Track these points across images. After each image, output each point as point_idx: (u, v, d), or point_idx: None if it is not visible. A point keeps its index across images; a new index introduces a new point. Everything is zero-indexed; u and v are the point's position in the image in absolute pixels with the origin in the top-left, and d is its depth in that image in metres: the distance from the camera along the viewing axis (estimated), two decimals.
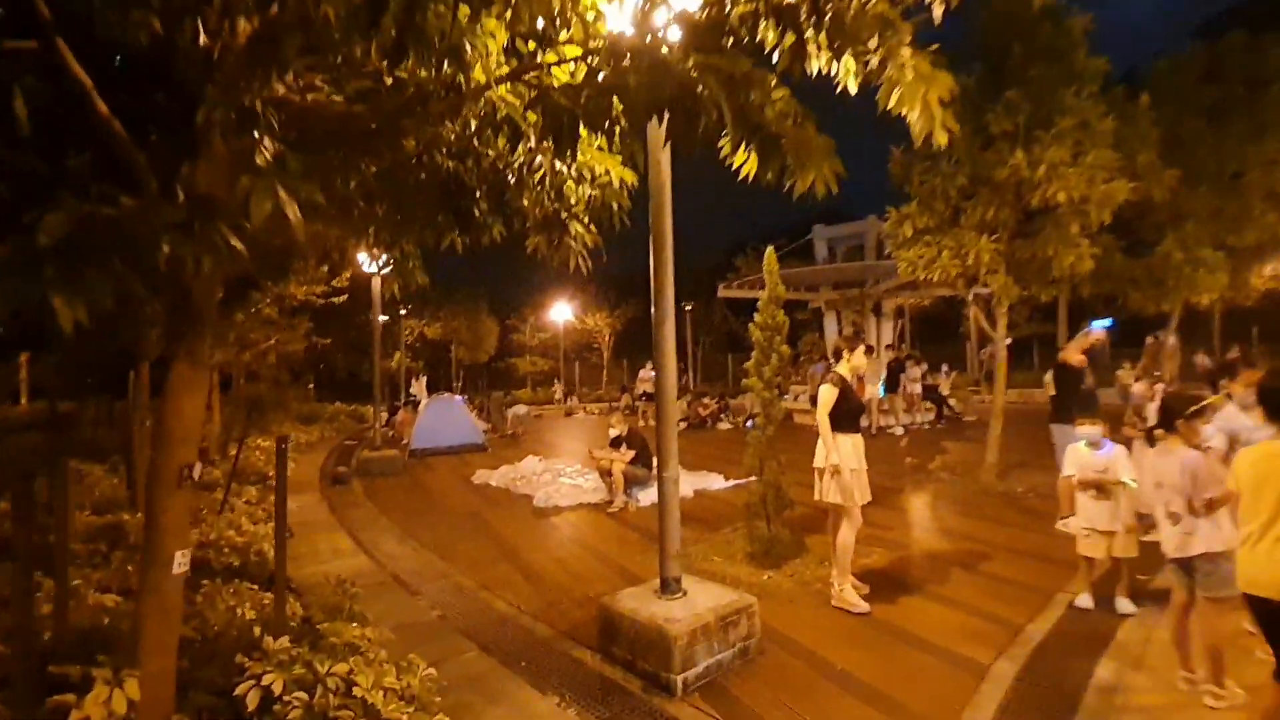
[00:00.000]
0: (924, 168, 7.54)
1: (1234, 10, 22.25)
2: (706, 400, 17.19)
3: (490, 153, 3.79)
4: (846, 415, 4.62)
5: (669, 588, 3.76)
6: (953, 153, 7.38)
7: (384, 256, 10.96)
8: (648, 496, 7.77)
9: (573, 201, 3.78)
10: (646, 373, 15.90)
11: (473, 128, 3.74)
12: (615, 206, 3.88)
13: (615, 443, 7.91)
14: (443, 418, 12.69)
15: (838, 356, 4.86)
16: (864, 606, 4.46)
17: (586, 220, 3.99)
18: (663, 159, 3.94)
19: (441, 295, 26.53)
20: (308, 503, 8.04)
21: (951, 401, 14.51)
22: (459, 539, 6.66)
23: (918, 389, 13.68)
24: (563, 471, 9.82)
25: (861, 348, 4.88)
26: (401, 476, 10.41)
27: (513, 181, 3.80)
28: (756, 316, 5.48)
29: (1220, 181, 9.68)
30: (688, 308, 26.51)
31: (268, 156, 2.08)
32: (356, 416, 18.85)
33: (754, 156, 2.76)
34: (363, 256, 11.01)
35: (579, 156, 3.70)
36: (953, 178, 7.34)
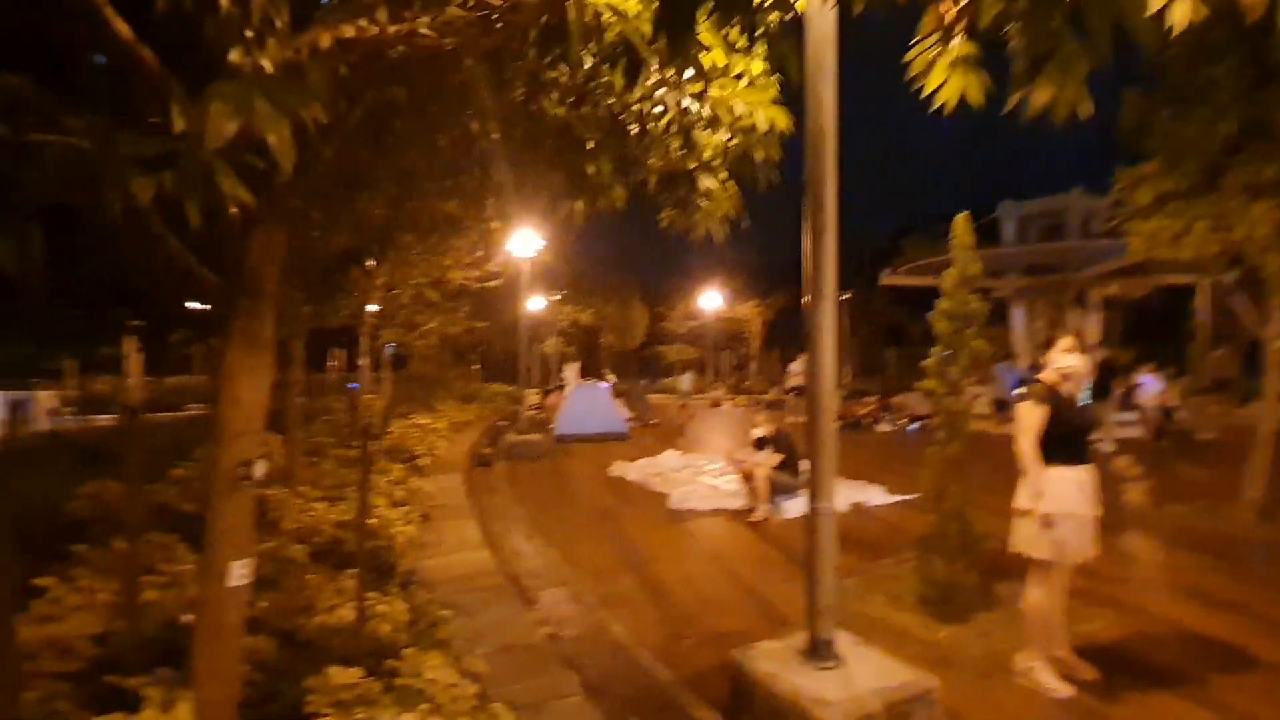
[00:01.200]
0: (1171, 113, 5.79)
1: None
2: (865, 398, 15.64)
3: (607, 99, 3.12)
4: (1063, 440, 3.38)
5: (819, 652, 2.90)
6: (1215, 94, 5.59)
7: (536, 242, 10.84)
8: (794, 507, 6.83)
9: (705, 152, 3.01)
10: (798, 365, 14.71)
11: (586, 66, 3.10)
12: (762, 157, 3.06)
13: (760, 444, 7.04)
14: (587, 405, 12.53)
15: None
16: (1063, 690, 3.31)
17: (723, 177, 3.21)
18: (824, 92, 3.03)
19: (593, 282, 26.87)
20: (449, 484, 8.03)
21: (1180, 414, 11.82)
22: (586, 539, 6.19)
23: (1150, 403, 10.95)
24: (702, 469, 9.13)
25: (1068, 341, 3.58)
26: (543, 462, 10.30)
27: (634, 130, 3.11)
28: (941, 303, 4.35)
29: None
30: (844, 296, 24.58)
31: (262, 64, 1.52)
32: (513, 398, 19.50)
33: None
34: (511, 241, 11.01)
35: (712, 90, 2.92)
36: (1213, 125, 5.55)
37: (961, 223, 4.25)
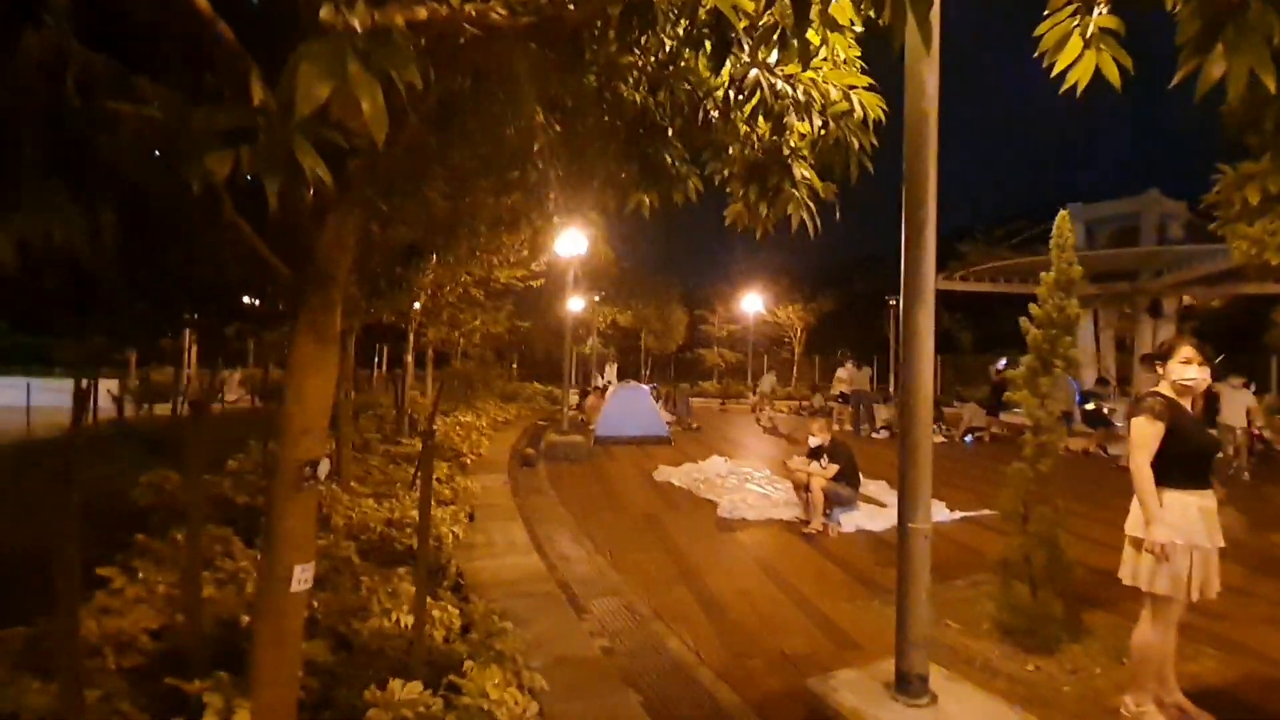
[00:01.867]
0: None
1: None
2: None
3: (687, 83, 2.93)
4: (1183, 461, 3.03)
5: (909, 687, 2.65)
6: None
7: (580, 242, 10.72)
8: (850, 520, 6.54)
9: (795, 140, 2.79)
10: (845, 371, 14.28)
11: (667, 48, 2.91)
12: (855, 145, 2.82)
13: (815, 453, 6.75)
14: (628, 407, 12.35)
15: (1149, 366, 3.26)
16: None
17: (816, 167, 2.98)
18: (926, 74, 2.78)
19: (634, 282, 26.71)
20: (494, 484, 7.95)
21: (1265, 434, 11.05)
22: (635, 546, 6.00)
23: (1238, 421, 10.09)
24: (750, 476, 8.87)
25: (1188, 351, 3.14)
26: (585, 464, 10.16)
27: (715, 115, 2.91)
28: (1034, 308, 4.03)
29: None
30: (892, 302, 23.89)
31: (351, 22, 1.36)
32: (552, 398, 19.48)
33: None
34: (557, 241, 10.91)
35: (806, 70, 2.69)
36: None
37: (1063, 221, 3.93)
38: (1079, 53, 2.44)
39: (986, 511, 6.78)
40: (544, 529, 6.42)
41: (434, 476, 6.82)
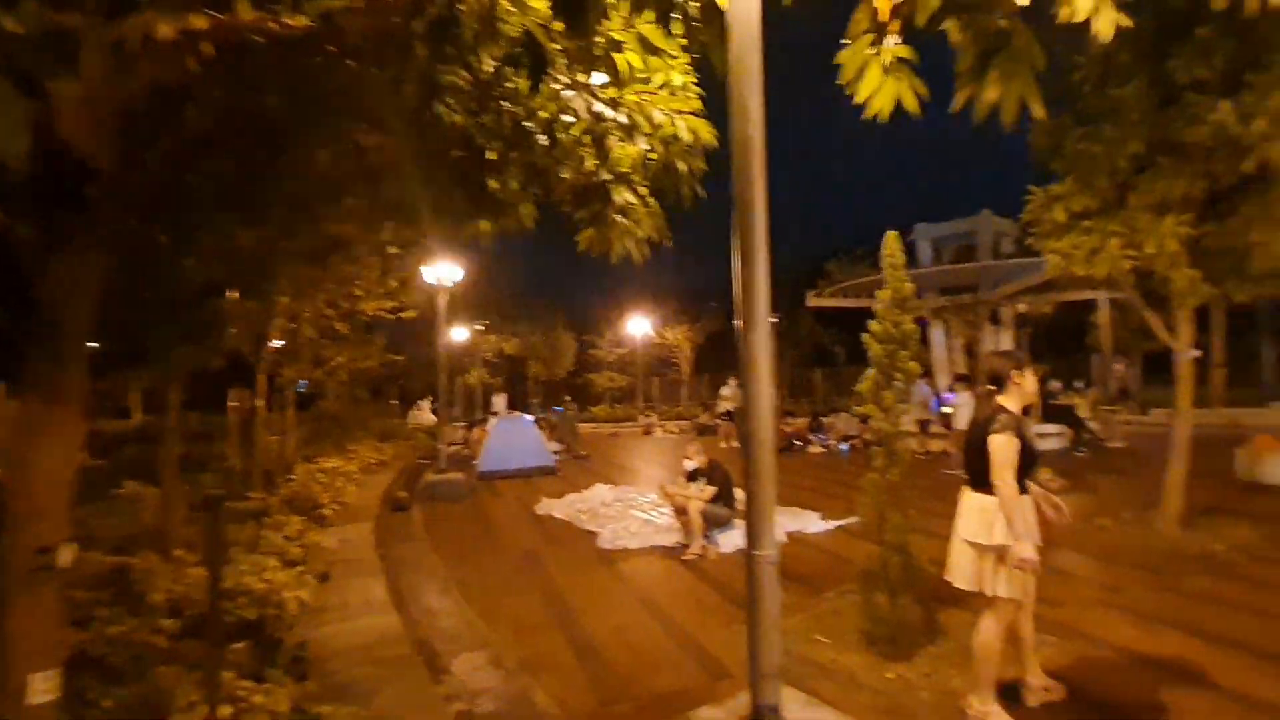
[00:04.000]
0: (1082, 133, 5.96)
1: None
2: (794, 419, 15.68)
3: (509, 104, 2.78)
4: (1022, 470, 3.17)
5: None
6: (1123, 113, 5.79)
7: (453, 271, 10.29)
8: (729, 540, 6.54)
9: (621, 163, 2.70)
10: (729, 389, 14.61)
11: (488, 68, 2.75)
12: (684, 169, 2.77)
13: (692, 476, 6.73)
14: (511, 438, 11.93)
15: (996, 383, 3.31)
16: None
17: (645, 192, 2.90)
18: (750, 99, 2.78)
19: (518, 311, 26.20)
20: (356, 536, 7.32)
21: (1092, 424, 12.36)
22: (509, 589, 5.67)
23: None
24: (635, 502, 8.74)
25: (1031, 371, 3.35)
26: (465, 503, 9.64)
27: (542, 140, 2.76)
28: (873, 325, 4.18)
29: None
30: (773, 319, 24.98)
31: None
32: (434, 434, 18.55)
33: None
34: (427, 270, 10.44)
35: (628, 94, 2.62)
36: (1121, 144, 5.74)
37: (892, 241, 4.11)
38: (879, 82, 2.52)
39: (857, 519, 7.03)
40: (409, 581, 5.95)
41: (287, 535, 6.20)
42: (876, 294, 4.24)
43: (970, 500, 3.27)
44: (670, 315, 28.70)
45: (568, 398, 21.04)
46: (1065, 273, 6.35)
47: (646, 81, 2.94)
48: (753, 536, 2.65)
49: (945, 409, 13.00)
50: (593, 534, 7.21)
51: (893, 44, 2.35)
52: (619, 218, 2.63)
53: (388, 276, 9.89)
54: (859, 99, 2.53)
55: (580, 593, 5.52)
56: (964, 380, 11.51)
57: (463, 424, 17.88)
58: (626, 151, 2.69)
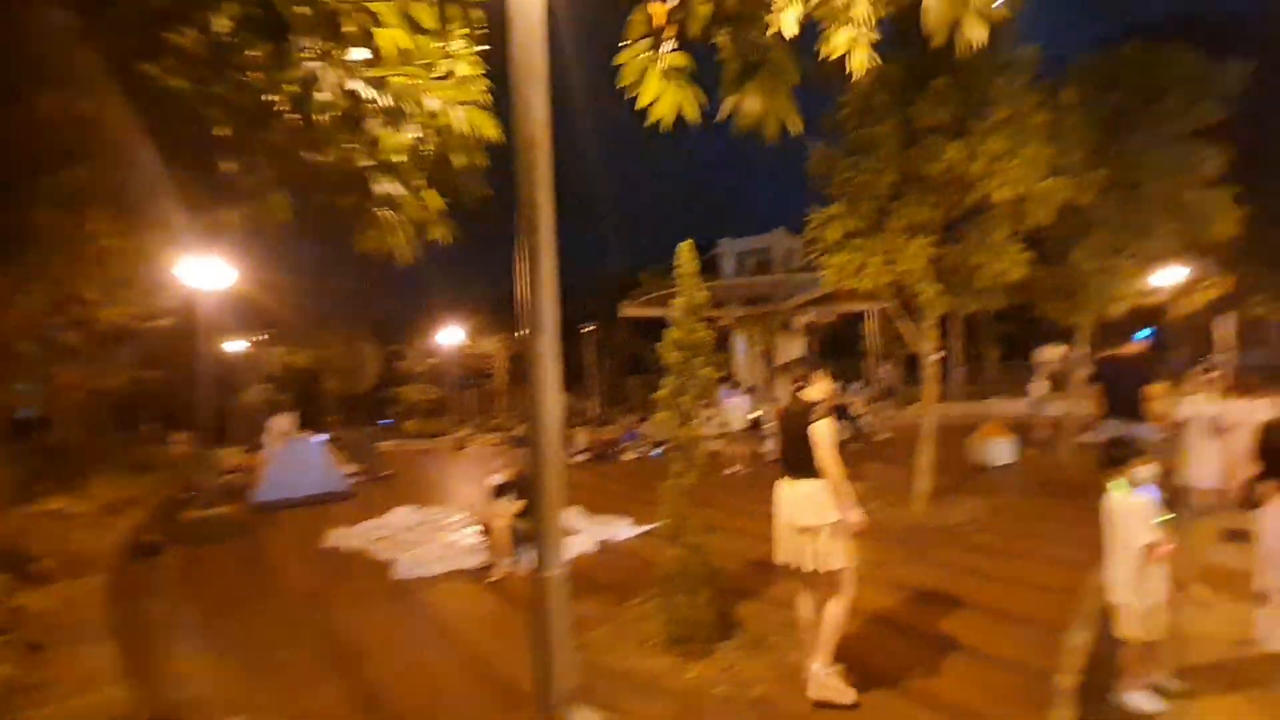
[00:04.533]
0: (849, 163, 6.68)
1: (1131, 27, 23.70)
2: (611, 426, 15.91)
3: (246, 74, 2.36)
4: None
5: None
6: (879, 148, 6.59)
7: (218, 272, 8.95)
8: None
9: (385, 151, 2.41)
10: None
11: (218, 25, 2.32)
12: (461, 164, 2.55)
13: (500, 491, 6.42)
14: (297, 463, 10.63)
15: (804, 383, 3.70)
16: (851, 695, 3.42)
17: (421, 185, 2.62)
18: (534, 96, 2.63)
19: (313, 319, 23.68)
20: (83, 593, 5.98)
21: (864, 420, 13.99)
22: (284, 639, 4.93)
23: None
24: (441, 524, 8.18)
25: (826, 374, 3.81)
26: (236, 541, 8.35)
27: (295, 119, 2.38)
28: (669, 333, 4.25)
29: (1123, 191, 9.55)
30: (589, 328, 25.26)
31: None
32: (201, 461, 16.03)
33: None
34: (184, 270, 8.96)
35: (395, 76, 2.35)
36: (880, 174, 6.52)
37: (685, 251, 4.21)
38: (659, 88, 2.50)
39: (664, 532, 7.21)
40: (152, 642, 4.96)
41: None
42: (672, 302, 4.32)
43: (796, 489, 3.52)
44: (485, 324, 27.80)
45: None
46: (840, 286, 7.07)
47: (429, 68, 2.69)
48: (541, 556, 2.49)
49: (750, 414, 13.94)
50: (389, 563, 6.59)
51: (669, 50, 2.35)
52: (382, 211, 2.33)
53: (134, 278, 8.32)
54: (641, 104, 2.51)
55: (369, 632, 4.97)
56: (727, 381, 12.40)
57: (241, 449, 15.71)
58: (393, 139, 2.40)
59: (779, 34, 2.13)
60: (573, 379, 26.27)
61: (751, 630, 4.40)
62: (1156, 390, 6.04)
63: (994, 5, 1.91)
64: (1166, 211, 9.38)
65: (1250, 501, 2.18)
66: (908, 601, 4.79)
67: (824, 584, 3.55)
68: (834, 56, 2.28)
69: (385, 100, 2.34)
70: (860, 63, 2.27)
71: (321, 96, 2.25)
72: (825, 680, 3.48)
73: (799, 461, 3.51)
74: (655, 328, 4.51)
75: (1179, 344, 18.78)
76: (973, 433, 10.34)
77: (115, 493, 10.35)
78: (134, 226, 3.31)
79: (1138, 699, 3.16)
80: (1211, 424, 5.78)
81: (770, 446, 12.40)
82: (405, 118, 2.35)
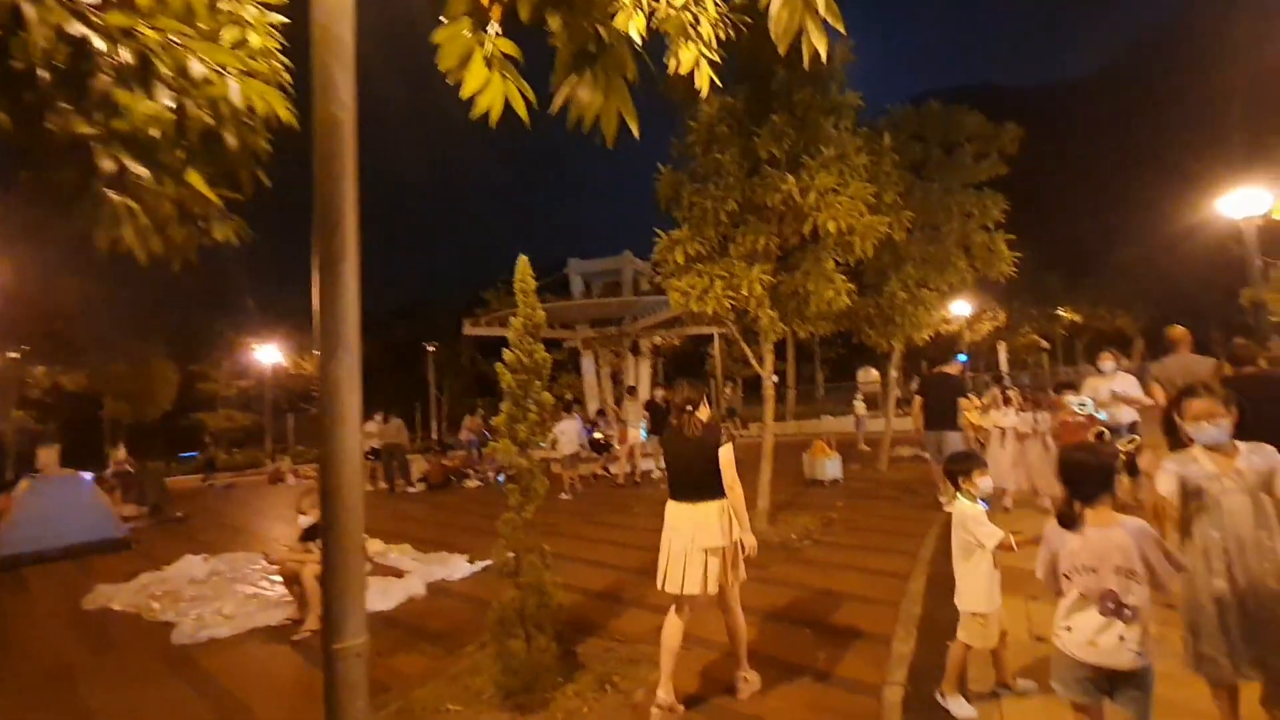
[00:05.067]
0: (695, 189, 6.80)
1: (932, 89, 27.04)
2: (453, 453, 15.02)
3: None
4: None
5: None
6: (723, 175, 6.78)
7: None
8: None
9: (125, 119, 1.90)
10: (373, 424, 13.22)
11: None
12: (234, 144, 2.09)
13: (309, 534, 5.62)
14: (57, 506, 8.77)
15: (686, 408, 3.72)
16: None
17: (179, 161, 2.11)
18: (338, 73, 2.23)
19: (89, 334, 20.00)
20: None
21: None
22: None
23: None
24: (239, 573, 7.08)
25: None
26: None
27: None
28: (506, 354, 3.92)
29: (926, 230, 10.72)
30: (430, 348, 23.92)
31: None
32: None
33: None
34: None
35: (146, 29, 1.86)
36: (724, 200, 6.69)
37: (523, 266, 3.91)
38: (486, 77, 2.22)
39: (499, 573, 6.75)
40: None
41: None
42: (510, 321, 4.00)
43: (700, 510, 3.49)
44: (308, 342, 25.33)
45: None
46: (685, 309, 7.13)
47: (212, 37, 2.20)
48: (332, 624, 2.04)
49: (596, 435, 13.80)
50: (169, 626, 5.51)
51: (494, 32, 2.09)
52: (112, 193, 1.81)
53: None
54: (465, 93, 2.20)
55: (133, 714, 4.04)
56: (602, 415, 12.35)
57: None
58: (139, 105, 1.89)
59: (616, 27, 1.96)
60: (414, 401, 24.69)
61: (595, 670, 4.12)
62: (968, 404, 7.00)
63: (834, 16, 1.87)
64: (960, 250, 10.66)
65: (1066, 517, 2.30)
66: (749, 622, 4.76)
67: (724, 602, 3.63)
68: (682, 70, 2.17)
69: (126, 56, 1.84)
70: (704, 80, 2.19)
71: (31, 40, 1.71)
72: (750, 681, 3.67)
73: (699, 483, 3.52)
74: (501, 347, 4.17)
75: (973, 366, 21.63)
76: (805, 450, 10.95)
77: None
78: None
79: (955, 705, 3.29)
80: (1010, 433, 7.12)
81: (617, 468, 12.35)
82: (155, 81, 1.86)
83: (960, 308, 13.08)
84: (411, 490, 13.43)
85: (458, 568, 6.72)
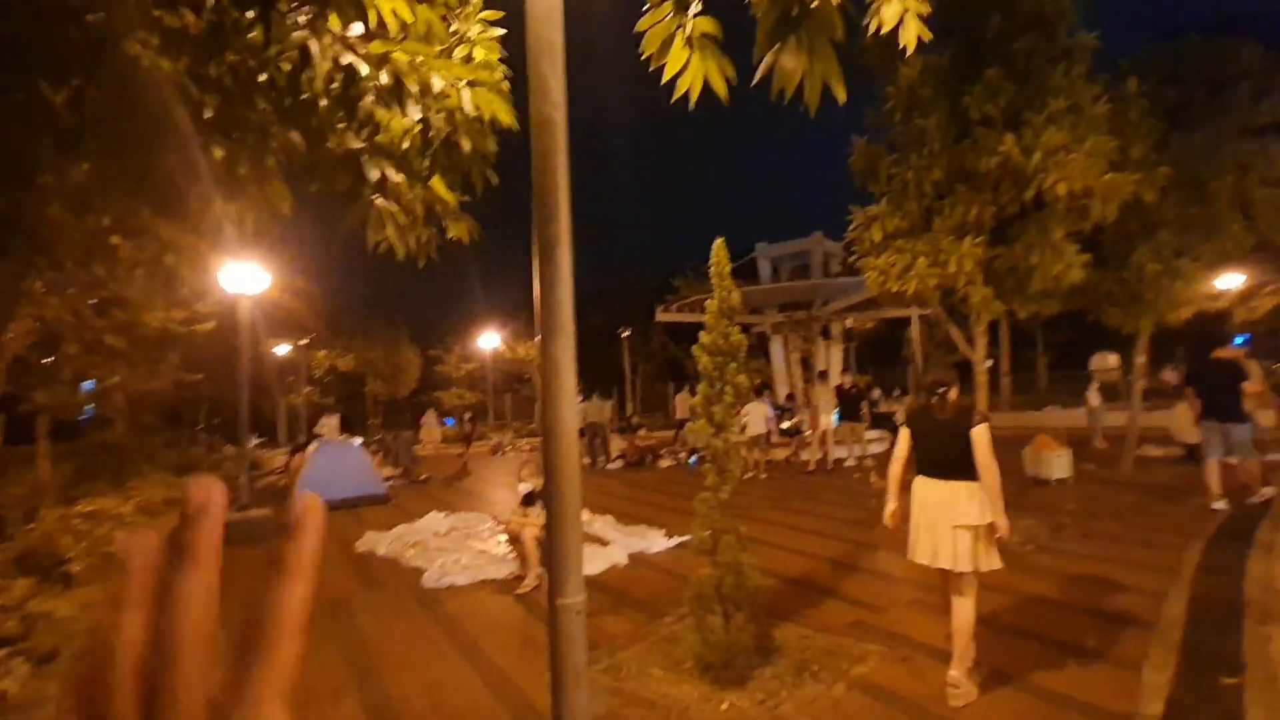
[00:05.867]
0: (893, 160, 6.34)
1: (1186, 23, 22.71)
2: (644, 432, 15.68)
3: (235, 52, 2.23)
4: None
5: None
6: (927, 143, 6.24)
7: (254, 275, 9.05)
8: None
9: (387, 133, 2.24)
10: (579, 404, 14.25)
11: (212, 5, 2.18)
12: (468, 148, 2.36)
13: (528, 500, 6.25)
14: (335, 465, 10.69)
15: (939, 390, 3.78)
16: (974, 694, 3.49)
17: (425, 168, 2.44)
18: (550, 74, 2.43)
19: (355, 324, 24.05)
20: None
21: None
22: (305, 649, 4.82)
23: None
24: (473, 530, 8.08)
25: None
26: (269, 543, 8.38)
27: (286, 101, 2.24)
28: (703, 336, 4.01)
29: (1187, 188, 8.94)
30: (624, 334, 25.11)
31: None
32: (256, 462, 16.40)
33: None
34: (224, 274, 9.08)
35: (398, 53, 2.17)
36: (928, 170, 6.16)
37: (719, 249, 3.95)
38: (685, 58, 2.27)
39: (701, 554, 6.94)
40: None
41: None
42: (705, 304, 4.07)
43: (950, 489, 3.55)
44: (521, 329, 27.93)
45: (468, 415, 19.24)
46: (883, 289, 6.70)
47: (446, 53, 2.52)
48: (555, 581, 2.26)
49: (784, 422, 13.56)
50: (419, 571, 6.48)
51: (694, 12, 2.12)
52: (378, 199, 2.15)
53: (174, 281, 8.47)
54: (666, 76, 2.28)
55: (394, 642, 4.83)
56: (791, 399, 12.08)
57: (284, 451, 15.98)
58: (395, 120, 2.23)
59: None
60: (610, 384, 26.13)
61: (792, 656, 4.11)
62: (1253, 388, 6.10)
63: None
64: (1233, 210, 8.74)
65: None
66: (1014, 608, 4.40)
67: (959, 587, 3.59)
68: (885, 30, 2.04)
69: (384, 78, 2.16)
70: (913, 35, 2.03)
71: (315, 71, 2.09)
72: (967, 689, 3.47)
73: (950, 462, 3.58)
74: (692, 334, 4.27)
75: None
76: (1026, 445, 9.77)
77: (156, 493, 10.56)
78: (153, 225, 3.21)
79: None
80: None
81: (808, 454, 12.02)
82: (408, 97, 2.17)
83: (1230, 280, 10.76)
84: (611, 467, 14.28)
85: (656, 541, 7.05)
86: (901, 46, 2.10)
